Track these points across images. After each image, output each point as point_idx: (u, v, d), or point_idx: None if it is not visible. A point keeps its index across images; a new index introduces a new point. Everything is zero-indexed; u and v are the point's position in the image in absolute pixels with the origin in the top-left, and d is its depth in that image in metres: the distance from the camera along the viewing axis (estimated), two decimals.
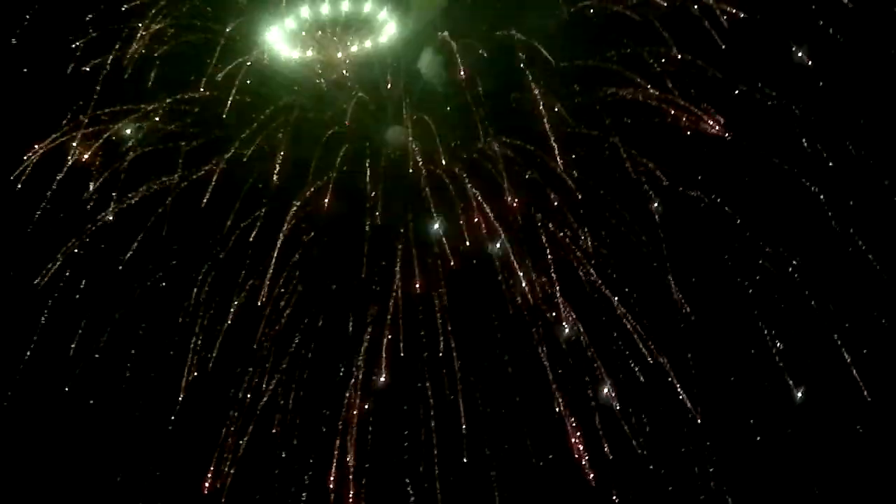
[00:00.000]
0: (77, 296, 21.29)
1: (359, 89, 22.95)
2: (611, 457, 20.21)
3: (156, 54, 21.57)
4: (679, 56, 19.99)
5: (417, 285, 21.10)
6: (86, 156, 21.38)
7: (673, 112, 20.32)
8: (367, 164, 21.92)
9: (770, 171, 19.80)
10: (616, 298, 20.55)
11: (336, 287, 21.64)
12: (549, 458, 20.63)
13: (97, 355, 21.07)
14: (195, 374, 21.10)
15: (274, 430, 21.43)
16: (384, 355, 20.54)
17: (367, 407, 20.93)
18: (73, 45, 21.62)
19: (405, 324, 20.72)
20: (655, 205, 20.23)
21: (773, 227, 19.94)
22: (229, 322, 21.39)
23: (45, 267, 20.84)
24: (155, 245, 21.62)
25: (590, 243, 20.83)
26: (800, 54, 19.28)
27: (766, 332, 19.86)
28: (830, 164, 19.53)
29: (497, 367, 21.02)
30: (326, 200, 21.29)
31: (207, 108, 22.04)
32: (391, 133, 22.59)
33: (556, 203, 20.90)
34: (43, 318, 21.29)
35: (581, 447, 19.88)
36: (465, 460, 20.82)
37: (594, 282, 20.68)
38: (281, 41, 22.37)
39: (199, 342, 21.24)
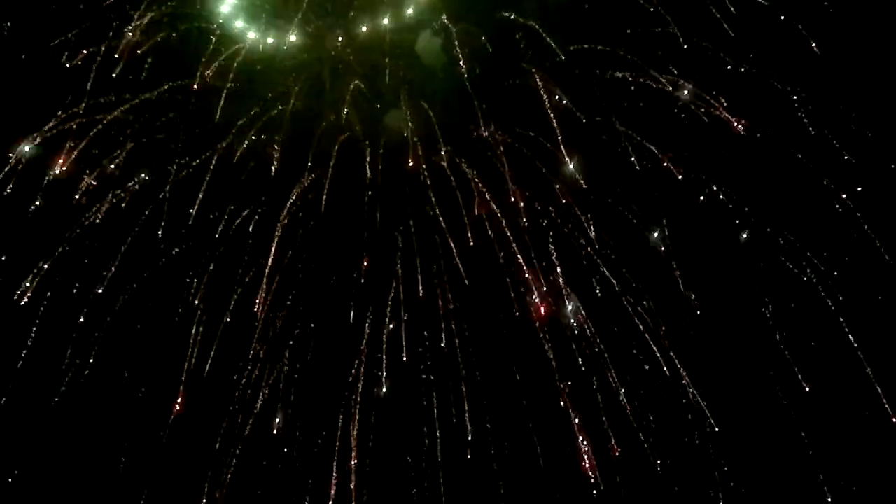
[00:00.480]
0: (70, 295, 20.84)
1: (358, 74, 22.46)
2: (618, 451, 19.97)
3: (143, 48, 20.87)
4: (684, 44, 19.30)
5: (419, 279, 20.78)
6: (76, 152, 20.83)
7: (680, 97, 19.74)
8: (365, 154, 21.48)
9: (781, 160, 19.14)
10: (618, 287, 20.18)
11: (336, 284, 21.18)
12: (556, 460, 20.27)
13: (90, 360, 20.68)
14: (192, 370, 20.78)
15: (275, 432, 21.15)
16: (384, 356, 20.21)
17: (371, 404, 20.64)
18: (63, 38, 21.01)
19: (408, 322, 20.36)
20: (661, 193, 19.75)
21: (786, 219, 19.32)
22: (227, 319, 21.10)
23: (36, 267, 20.44)
24: (149, 242, 21.15)
25: (592, 233, 20.38)
26: (811, 42, 18.53)
27: (776, 329, 19.40)
28: (842, 152, 18.84)
29: (503, 366, 20.62)
30: (324, 194, 20.86)
31: (202, 98, 21.47)
32: (389, 119, 22.07)
33: (561, 197, 20.40)
34: (40, 307, 20.90)
35: (586, 445, 19.55)
36: (468, 457, 20.62)
37: (602, 274, 20.23)
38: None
39: (198, 340, 20.89)
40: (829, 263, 19.21)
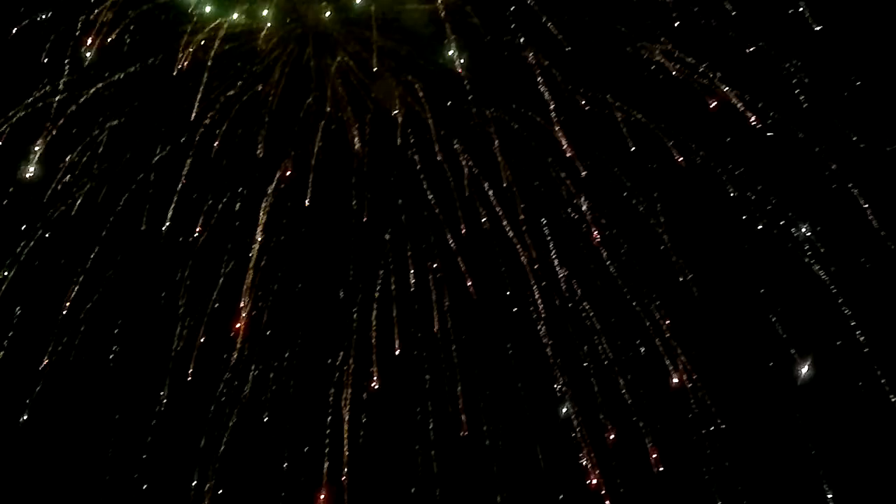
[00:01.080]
0: (49, 286, 20.14)
1: (345, 49, 21.44)
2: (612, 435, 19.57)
3: (116, 31, 19.78)
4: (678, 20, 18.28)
5: (410, 266, 20.15)
6: (52, 133, 19.89)
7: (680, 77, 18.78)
8: (352, 133, 20.63)
9: (787, 143, 18.23)
10: (616, 274, 19.55)
11: (323, 273, 20.50)
12: (552, 452, 19.85)
13: (71, 357, 20.05)
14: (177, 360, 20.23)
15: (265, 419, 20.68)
16: (375, 349, 19.67)
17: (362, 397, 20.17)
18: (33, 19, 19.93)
19: (399, 313, 19.76)
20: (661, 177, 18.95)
21: (792, 205, 18.51)
22: (216, 305, 20.45)
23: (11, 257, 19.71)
24: (130, 229, 20.39)
25: (587, 214, 19.63)
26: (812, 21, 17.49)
27: (779, 320, 18.73)
28: (850, 135, 17.91)
29: (499, 357, 20.10)
30: (310, 177, 20.04)
31: (181, 79, 20.46)
32: (377, 93, 21.14)
33: (558, 180, 19.60)
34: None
35: (585, 442, 19.15)
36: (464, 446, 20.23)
37: (601, 262, 19.54)
38: None
39: (183, 332, 20.32)
40: (836, 250, 18.44)
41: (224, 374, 20.07)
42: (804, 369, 18.56)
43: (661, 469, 19.17)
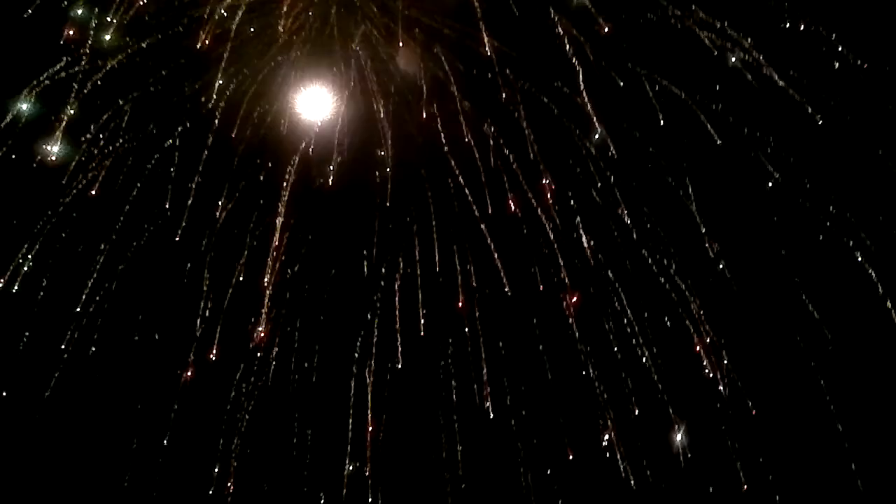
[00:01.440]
0: (72, 265, 20.03)
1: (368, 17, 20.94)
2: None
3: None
4: None
5: (435, 245, 19.86)
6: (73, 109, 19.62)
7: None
8: (377, 107, 20.21)
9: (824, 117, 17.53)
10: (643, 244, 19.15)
11: (348, 251, 20.27)
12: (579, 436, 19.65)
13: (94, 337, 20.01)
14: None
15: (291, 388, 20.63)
16: (398, 331, 19.46)
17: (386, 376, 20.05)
18: None
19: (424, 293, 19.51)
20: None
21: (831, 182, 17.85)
22: (240, 278, 20.28)
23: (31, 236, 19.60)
24: (154, 204, 20.20)
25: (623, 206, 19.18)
26: None
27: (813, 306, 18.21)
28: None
29: (525, 341, 19.80)
30: (334, 152, 19.70)
31: (203, 52, 20.05)
32: (402, 63, 20.66)
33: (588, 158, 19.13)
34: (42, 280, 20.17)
35: (610, 429, 18.89)
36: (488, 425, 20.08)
37: (632, 242, 19.12)
38: None
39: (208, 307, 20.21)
40: (873, 232, 17.83)
41: (247, 351, 19.99)
42: None
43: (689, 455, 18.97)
